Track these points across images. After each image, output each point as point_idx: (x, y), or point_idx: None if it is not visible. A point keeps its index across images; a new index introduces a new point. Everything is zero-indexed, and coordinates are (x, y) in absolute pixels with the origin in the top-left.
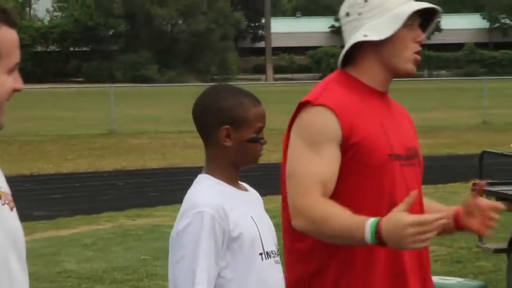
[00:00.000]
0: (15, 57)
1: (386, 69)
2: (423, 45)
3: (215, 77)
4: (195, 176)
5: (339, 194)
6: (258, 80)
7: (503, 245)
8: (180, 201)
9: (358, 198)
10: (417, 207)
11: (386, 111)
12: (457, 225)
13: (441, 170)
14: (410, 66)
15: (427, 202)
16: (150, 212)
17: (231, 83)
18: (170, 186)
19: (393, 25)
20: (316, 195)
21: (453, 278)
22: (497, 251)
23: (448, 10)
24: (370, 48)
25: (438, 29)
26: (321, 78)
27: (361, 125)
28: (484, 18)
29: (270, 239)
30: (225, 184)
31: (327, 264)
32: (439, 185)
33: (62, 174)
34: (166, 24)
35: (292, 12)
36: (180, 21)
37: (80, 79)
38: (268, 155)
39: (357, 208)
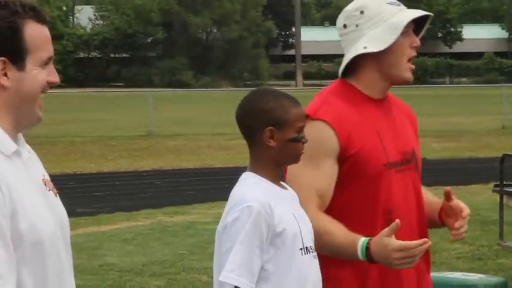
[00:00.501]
0: (47, 51)
1: (385, 78)
2: (445, 54)
3: (247, 82)
4: (228, 176)
5: (335, 204)
6: (288, 85)
7: None
8: (215, 199)
9: (354, 208)
10: (414, 211)
11: (383, 119)
12: (440, 221)
13: (462, 172)
14: (409, 75)
15: (426, 195)
16: (187, 210)
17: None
18: (205, 186)
19: (391, 35)
20: (314, 208)
21: (475, 274)
22: None
23: (469, 21)
24: (370, 59)
25: (460, 38)
26: None
27: (358, 136)
28: (503, 29)
29: (309, 235)
30: (269, 182)
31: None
32: (461, 186)
33: (103, 173)
34: (202, 32)
35: (321, 22)
36: (215, 30)
37: (120, 84)
38: None
39: (352, 216)
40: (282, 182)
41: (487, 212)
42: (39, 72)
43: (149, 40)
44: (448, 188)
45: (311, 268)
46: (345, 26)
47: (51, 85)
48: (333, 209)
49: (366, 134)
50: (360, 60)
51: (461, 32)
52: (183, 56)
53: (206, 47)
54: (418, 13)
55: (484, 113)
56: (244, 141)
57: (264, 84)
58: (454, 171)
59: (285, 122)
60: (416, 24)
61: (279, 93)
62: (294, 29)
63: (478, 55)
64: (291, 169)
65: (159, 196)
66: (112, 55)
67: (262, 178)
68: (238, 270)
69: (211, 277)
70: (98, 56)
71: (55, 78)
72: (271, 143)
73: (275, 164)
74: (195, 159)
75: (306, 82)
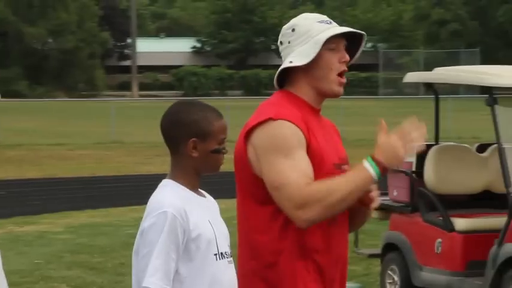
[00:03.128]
0: None
1: (316, 91)
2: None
3: (83, 92)
4: (73, 186)
5: None
6: (124, 96)
7: (377, 250)
8: (63, 210)
9: None
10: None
11: (322, 126)
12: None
13: None
14: (338, 88)
15: None
16: (36, 220)
17: (99, 99)
18: (51, 195)
19: (314, 50)
20: (308, 184)
21: None
22: (372, 256)
23: None
24: (301, 72)
25: None
26: (183, 95)
27: (313, 136)
28: None
29: (224, 242)
30: (187, 189)
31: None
32: None
33: None
34: (37, 42)
35: (156, 33)
36: (50, 40)
37: None
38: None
39: None
40: (200, 190)
41: None
42: None
43: None
44: None
45: (225, 273)
46: (281, 43)
47: None
48: None
49: (317, 135)
50: (293, 74)
51: None
52: (17, 65)
53: (41, 57)
54: (341, 30)
55: None
56: (85, 152)
57: (100, 94)
58: None
59: (208, 134)
60: (354, 42)
61: (204, 106)
62: (129, 40)
63: None
64: (274, 170)
65: (5, 206)
66: None
67: (180, 185)
68: (158, 274)
69: (70, 285)
70: None
71: None
72: (194, 154)
73: (195, 173)
74: (37, 170)
75: (142, 93)
